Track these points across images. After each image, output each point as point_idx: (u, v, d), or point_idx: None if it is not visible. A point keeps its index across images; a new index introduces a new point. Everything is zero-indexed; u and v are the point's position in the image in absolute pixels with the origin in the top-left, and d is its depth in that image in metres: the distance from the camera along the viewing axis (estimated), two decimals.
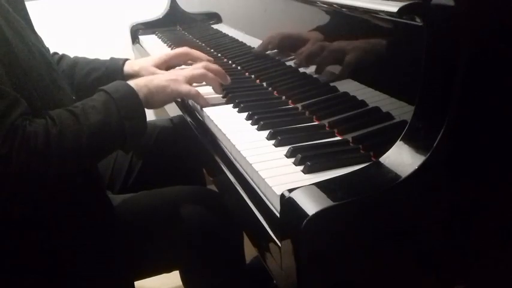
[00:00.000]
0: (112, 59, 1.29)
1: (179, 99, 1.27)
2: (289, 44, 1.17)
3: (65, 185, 0.91)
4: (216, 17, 1.67)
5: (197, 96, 1.10)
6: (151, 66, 1.26)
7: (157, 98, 1.03)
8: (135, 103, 0.95)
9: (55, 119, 0.85)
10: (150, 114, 2.13)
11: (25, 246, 0.91)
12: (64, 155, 0.83)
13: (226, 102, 1.14)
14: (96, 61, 1.27)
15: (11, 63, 0.84)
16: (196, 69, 1.13)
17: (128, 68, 1.26)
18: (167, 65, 1.28)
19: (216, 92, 1.16)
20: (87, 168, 0.98)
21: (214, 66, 1.16)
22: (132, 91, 0.95)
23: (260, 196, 0.79)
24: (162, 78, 1.06)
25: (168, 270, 1.13)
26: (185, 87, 1.07)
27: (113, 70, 1.24)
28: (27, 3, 1.03)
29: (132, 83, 0.98)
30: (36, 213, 0.90)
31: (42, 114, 0.86)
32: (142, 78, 1.06)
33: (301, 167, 0.80)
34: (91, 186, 1.00)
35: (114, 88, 0.95)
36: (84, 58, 1.28)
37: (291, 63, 1.17)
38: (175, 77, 1.07)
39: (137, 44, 1.95)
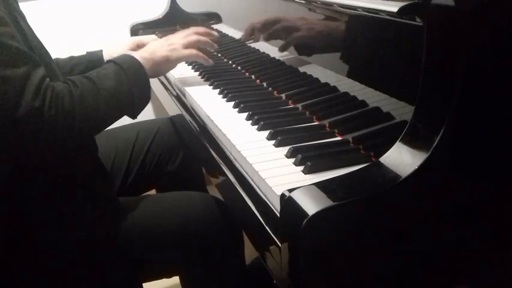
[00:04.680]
0: (89, 52, 1.34)
1: (183, 98, 1.28)
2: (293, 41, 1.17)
3: (76, 185, 0.95)
4: (216, 17, 1.67)
5: (198, 56, 1.23)
6: (128, 51, 1.31)
7: (163, 67, 1.16)
8: (141, 73, 1.04)
9: (76, 83, 0.91)
10: (150, 114, 2.13)
11: (30, 246, 0.92)
12: (86, 114, 0.89)
13: (228, 101, 1.15)
14: (75, 57, 1.32)
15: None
16: (190, 35, 1.23)
17: (107, 57, 1.32)
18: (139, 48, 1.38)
19: (211, 48, 1.29)
20: (100, 169, 1.02)
21: (202, 29, 1.28)
22: (138, 63, 1.05)
23: (260, 196, 0.79)
24: (164, 49, 1.16)
25: (168, 275, 1.12)
26: (186, 51, 1.19)
27: (95, 62, 1.29)
28: (27, 3, 1.04)
29: (137, 56, 1.07)
30: (45, 212, 0.92)
31: (64, 79, 0.92)
32: (144, 51, 1.15)
33: (302, 167, 0.80)
34: (102, 188, 1.01)
35: (122, 60, 1.04)
36: (61, 58, 1.30)
37: (291, 63, 1.17)
38: (173, 45, 1.18)
39: None
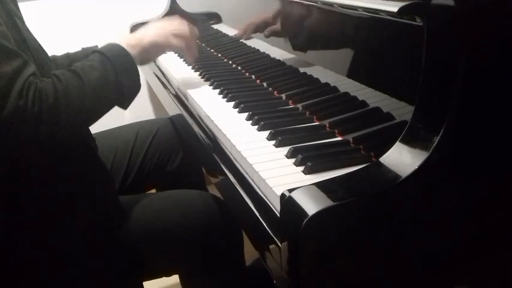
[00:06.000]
0: (84, 48, 1.33)
1: (183, 98, 1.28)
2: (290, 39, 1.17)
3: (77, 185, 0.95)
4: (216, 17, 1.67)
5: (187, 49, 1.21)
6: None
7: (152, 53, 1.13)
8: (128, 62, 1.00)
9: (60, 77, 0.89)
10: (150, 114, 2.13)
11: (30, 245, 0.92)
12: (71, 109, 0.87)
13: (228, 101, 1.15)
14: (71, 54, 1.31)
15: (20, 47, 0.88)
16: (182, 27, 1.20)
17: None
18: None
19: (189, 55, 1.25)
20: (101, 168, 1.02)
21: (194, 33, 1.25)
22: (124, 50, 1.01)
23: (260, 196, 0.79)
24: (152, 33, 1.13)
25: (168, 274, 1.12)
26: (176, 41, 1.17)
27: None
28: (27, 3, 1.04)
29: (123, 43, 1.03)
30: (45, 211, 0.92)
31: (48, 74, 0.90)
32: (131, 38, 1.11)
33: (302, 168, 0.80)
34: (103, 188, 1.01)
35: (108, 49, 1.00)
36: (59, 55, 1.30)
37: (291, 63, 1.17)
38: (162, 31, 1.15)
39: None
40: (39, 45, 1.00)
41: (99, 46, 1.34)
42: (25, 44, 0.91)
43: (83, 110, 0.90)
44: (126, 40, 1.07)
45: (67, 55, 1.29)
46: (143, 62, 1.10)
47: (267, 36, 1.24)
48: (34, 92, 0.82)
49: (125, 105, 1.01)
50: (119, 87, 0.96)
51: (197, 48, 1.27)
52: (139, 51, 1.06)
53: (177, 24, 1.20)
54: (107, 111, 0.98)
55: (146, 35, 1.12)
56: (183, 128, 1.29)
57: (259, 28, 1.27)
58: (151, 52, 1.12)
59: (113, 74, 0.95)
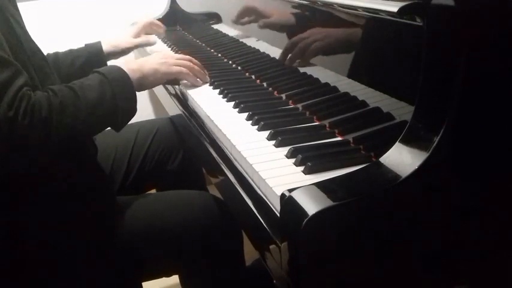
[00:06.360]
0: (87, 44, 1.35)
1: (183, 98, 1.28)
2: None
3: (76, 186, 0.95)
4: (216, 17, 1.67)
5: (188, 75, 1.22)
6: (130, 37, 1.45)
7: (151, 80, 1.12)
8: (127, 85, 1.00)
9: (56, 92, 0.88)
10: (150, 114, 2.13)
11: (29, 246, 0.92)
12: (63, 125, 0.87)
13: (228, 101, 1.15)
14: (74, 50, 1.32)
15: (16, 51, 0.88)
16: (184, 59, 1.23)
17: (106, 46, 1.36)
18: (142, 33, 1.52)
19: (203, 79, 1.27)
20: (99, 170, 1.02)
21: (197, 62, 1.27)
22: (124, 74, 1.01)
23: (260, 196, 0.79)
24: (153, 61, 1.14)
25: (168, 274, 1.12)
26: (176, 68, 1.18)
27: (95, 53, 1.32)
28: (27, 3, 1.04)
29: (124, 67, 1.03)
30: (44, 213, 0.92)
31: (44, 88, 0.90)
32: (133, 62, 1.12)
33: (302, 168, 0.80)
34: (101, 189, 1.02)
35: (108, 70, 1.00)
36: (60, 52, 1.31)
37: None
38: (165, 60, 1.17)
39: None
40: (36, 46, 1.00)
41: (99, 42, 1.36)
42: (21, 46, 0.91)
43: (75, 128, 0.88)
44: (129, 64, 1.07)
45: (69, 51, 1.30)
46: (140, 88, 1.09)
47: (261, 28, 1.24)
48: (27, 104, 0.81)
49: (118, 127, 1.00)
50: (115, 110, 0.96)
51: (205, 75, 1.27)
52: (139, 76, 1.07)
53: (179, 56, 1.23)
54: (99, 132, 0.98)
55: (148, 61, 1.13)
56: (183, 128, 1.29)
57: (257, 20, 1.28)
58: (150, 79, 1.11)
59: (110, 95, 0.95)
